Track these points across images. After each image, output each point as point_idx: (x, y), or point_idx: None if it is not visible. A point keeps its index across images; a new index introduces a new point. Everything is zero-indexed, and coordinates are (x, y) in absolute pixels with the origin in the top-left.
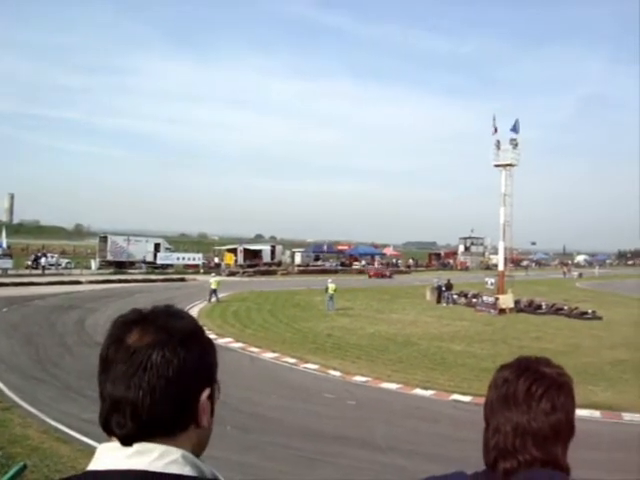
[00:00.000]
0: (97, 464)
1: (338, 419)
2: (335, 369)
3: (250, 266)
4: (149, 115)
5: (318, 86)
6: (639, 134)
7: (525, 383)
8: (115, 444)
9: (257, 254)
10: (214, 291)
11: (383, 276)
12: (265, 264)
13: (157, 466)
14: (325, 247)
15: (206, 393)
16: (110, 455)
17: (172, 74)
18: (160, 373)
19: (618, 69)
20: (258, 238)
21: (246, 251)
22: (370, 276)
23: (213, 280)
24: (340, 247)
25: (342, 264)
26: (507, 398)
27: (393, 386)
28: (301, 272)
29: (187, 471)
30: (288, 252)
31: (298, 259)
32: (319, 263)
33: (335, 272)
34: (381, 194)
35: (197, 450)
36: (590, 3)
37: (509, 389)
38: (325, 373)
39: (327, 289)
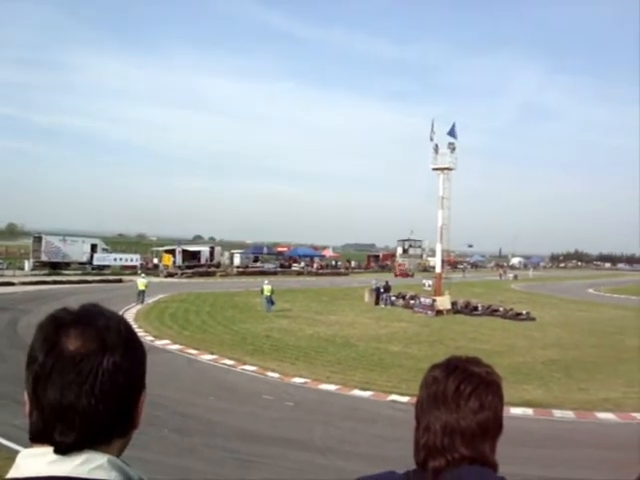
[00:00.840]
0: (17, 471)
1: (276, 421)
2: (273, 370)
3: (188, 267)
4: (86, 113)
5: (261, 87)
6: (571, 142)
7: (454, 382)
8: (37, 450)
9: (196, 255)
10: (142, 292)
11: (407, 275)
12: (204, 265)
13: (81, 472)
14: (264, 248)
15: (143, 396)
16: (31, 462)
17: (111, 72)
18: (112, 379)
19: (555, 79)
20: (197, 239)
21: (184, 252)
22: (396, 275)
23: (140, 281)
24: (279, 248)
25: (281, 265)
26: (436, 397)
27: (332, 387)
28: (240, 273)
29: (113, 476)
30: (227, 253)
31: (237, 260)
32: (258, 264)
33: (274, 274)
34: (321, 196)
35: (121, 452)
36: (529, 16)
37: (439, 388)
38: (263, 375)
39: (262, 290)
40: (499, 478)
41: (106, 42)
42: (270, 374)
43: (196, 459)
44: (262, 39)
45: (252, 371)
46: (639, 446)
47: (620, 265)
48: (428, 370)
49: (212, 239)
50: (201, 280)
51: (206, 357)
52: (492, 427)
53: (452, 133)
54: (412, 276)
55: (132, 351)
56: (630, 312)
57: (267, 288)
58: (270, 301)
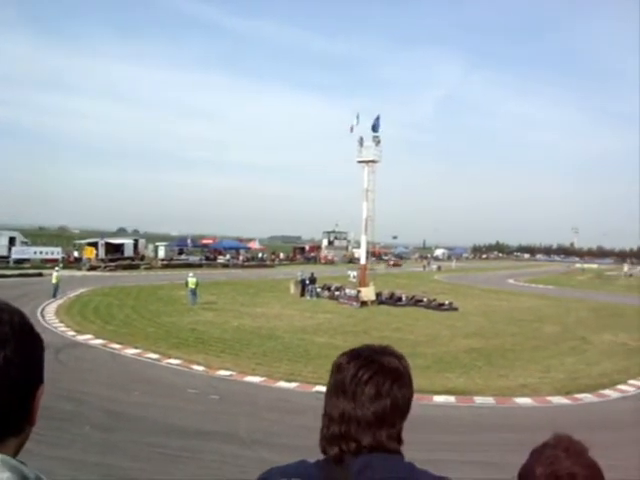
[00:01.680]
0: None
1: (202, 414)
2: (199, 364)
3: (112, 260)
4: (6, 101)
5: (190, 79)
6: (492, 136)
7: (353, 369)
8: None
9: (119, 248)
10: (55, 286)
11: (397, 265)
12: (127, 258)
13: None
14: (189, 241)
15: (41, 390)
16: None
17: (37, 61)
18: (3, 374)
19: (472, 75)
20: (120, 232)
21: (108, 245)
22: (389, 265)
23: (54, 275)
24: (205, 241)
25: (207, 258)
26: (337, 384)
27: (257, 379)
28: (165, 266)
29: (6, 477)
30: (151, 246)
31: (162, 253)
32: (183, 257)
33: (199, 266)
34: (248, 188)
35: (18, 451)
36: (448, 12)
37: (339, 376)
38: (188, 368)
39: (187, 283)
40: (407, 464)
41: (31, 30)
42: (195, 367)
43: (120, 456)
44: (191, 30)
45: (177, 365)
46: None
47: (538, 256)
48: (337, 358)
49: (136, 232)
50: (125, 273)
51: (130, 351)
52: (389, 415)
53: (375, 127)
54: (400, 265)
55: (26, 344)
56: (547, 301)
57: (192, 281)
58: (194, 294)
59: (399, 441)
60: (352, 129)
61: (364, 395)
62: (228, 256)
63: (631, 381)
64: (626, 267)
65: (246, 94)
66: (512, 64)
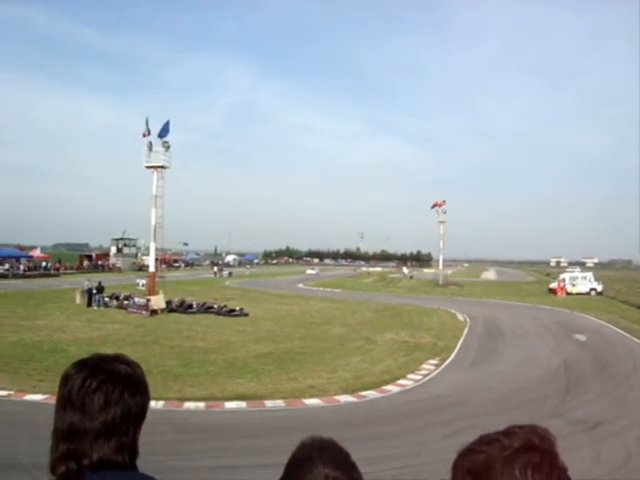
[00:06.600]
0: None
1: None
2: None
3: None
4: None
5: None
6: (277, 142)
7: (80, 379)
8: None
9: None
10: None
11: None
12: None
13: None
14: None
15: None
16: None
17: None
18: None
19: (265, 82)
20: None
21: None
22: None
23: None
24: None
25: None
26: (64, 396)
27: (39, 397)
28: None
29: None
30: None
31: None
32: None
33: None
34: (24, 191)
35: None
36: (241, 18)
37: (67, 387)
38: None
39: None
40: (145, 477)
41: None
42: None
43: None
44: None
45: None
46: None
47: (327, 260)
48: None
49: None
50: None
51: None
52: (120, 425)
53: (164, 132)
54: None
55: None
56: (335, 304)
57: None
58: None
59: (132, 452)
60: (145, 135)
61: (93, 405)
62: (7, 265)
63: (410, 375)
64: (405, 270)
65: (15, 90)
66: (301, 75)
